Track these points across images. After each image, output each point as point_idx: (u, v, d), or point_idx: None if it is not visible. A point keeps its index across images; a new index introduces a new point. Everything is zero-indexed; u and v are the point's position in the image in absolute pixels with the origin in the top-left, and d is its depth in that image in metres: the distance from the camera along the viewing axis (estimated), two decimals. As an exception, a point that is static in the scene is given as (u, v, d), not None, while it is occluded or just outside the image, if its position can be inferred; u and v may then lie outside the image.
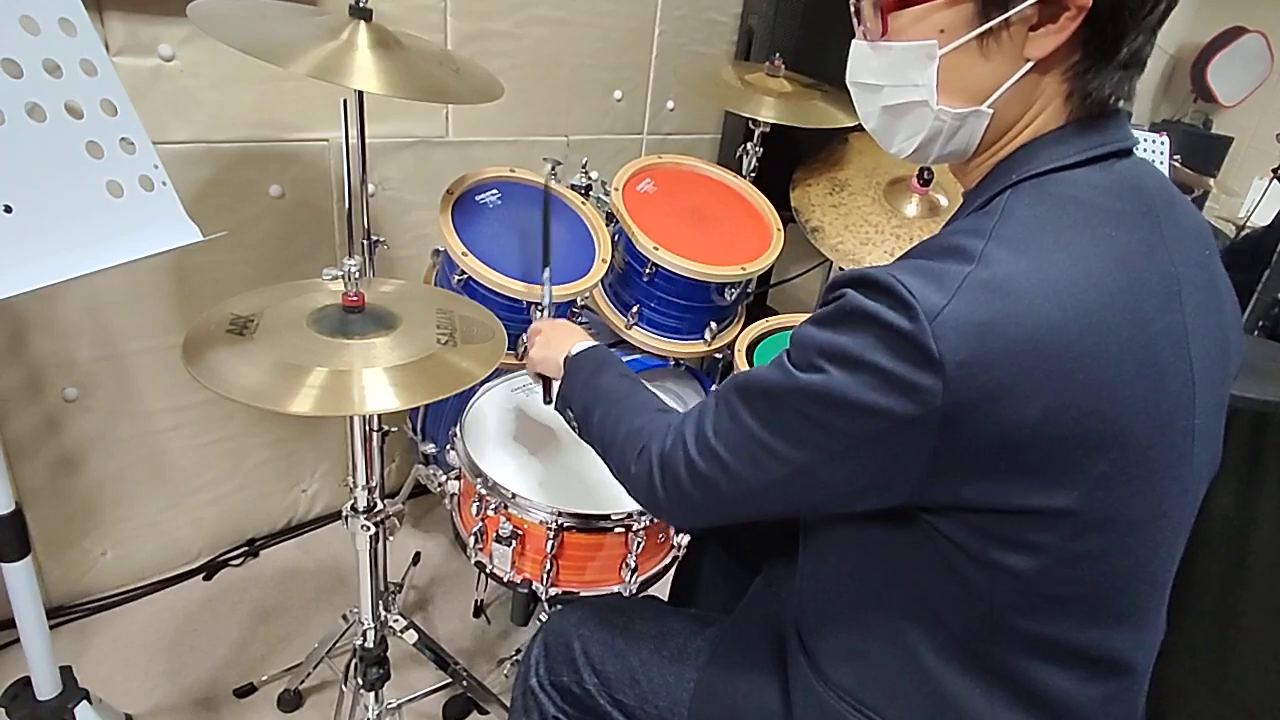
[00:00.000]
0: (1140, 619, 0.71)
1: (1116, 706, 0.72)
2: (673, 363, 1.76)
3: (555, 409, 1.01)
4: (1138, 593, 0.69)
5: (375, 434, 1.27)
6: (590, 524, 1.18)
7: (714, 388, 0.91)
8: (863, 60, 0.74)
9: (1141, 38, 0.63)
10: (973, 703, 0.70)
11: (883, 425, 0.61)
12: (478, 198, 1.54)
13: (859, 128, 2.01)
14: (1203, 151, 3.55)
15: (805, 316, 1.78)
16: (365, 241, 1.42)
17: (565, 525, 1.17)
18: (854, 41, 0.75)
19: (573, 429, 0.96)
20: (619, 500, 1.07)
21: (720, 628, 0.97)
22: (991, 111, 0.67)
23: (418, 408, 1.68)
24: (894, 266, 0.62)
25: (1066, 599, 0.65)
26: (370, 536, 1.20)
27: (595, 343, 1.03)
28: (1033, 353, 0.57)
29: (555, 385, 1.01)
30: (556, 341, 1.04)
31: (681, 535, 1.27)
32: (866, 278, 0.63)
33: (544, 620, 1.11)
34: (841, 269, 1.79)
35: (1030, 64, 0.64)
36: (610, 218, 1.65)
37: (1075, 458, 0.60)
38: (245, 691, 1.51)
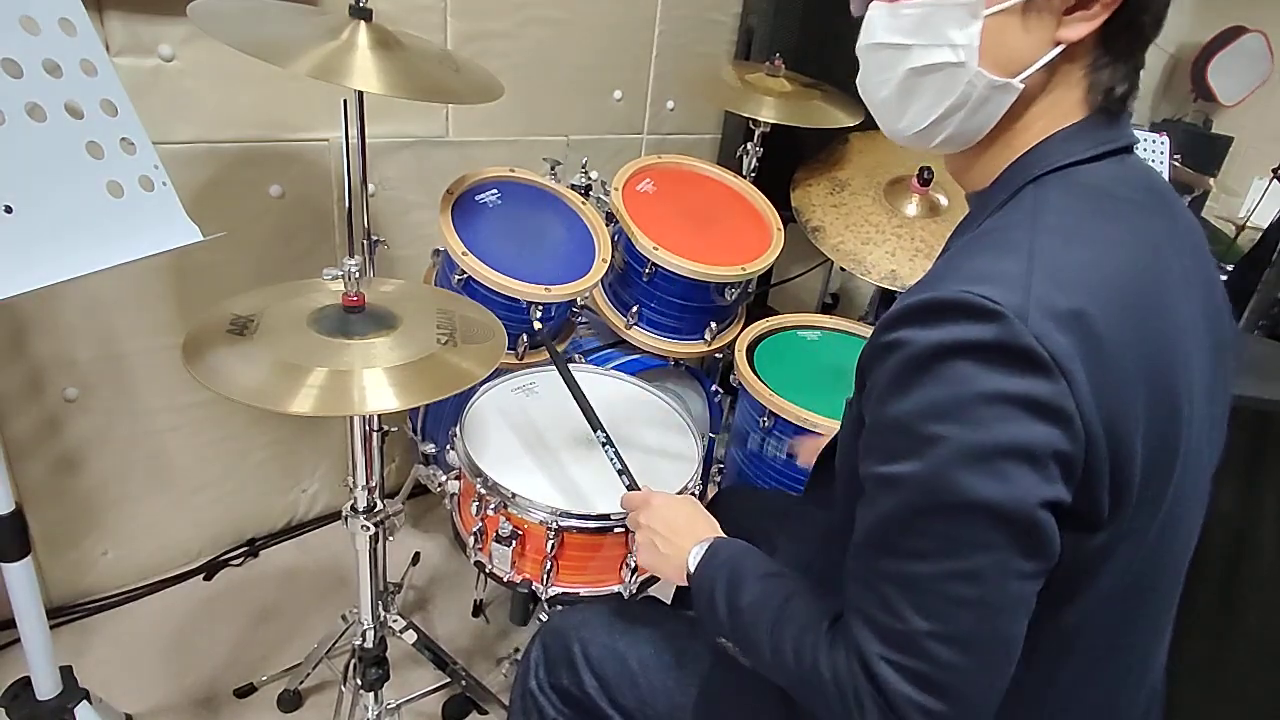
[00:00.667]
0: (1156, 612, 0.71)
1: (1125, 700, 0.72)
2: (673, 363, 1.76)
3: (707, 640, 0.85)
4: (1155, 587, 0.69)
5: (375, 434, 1.27)
6: (590, 524, 1.17)
7: (856, 570, 0.63)
8: (883, 22, 0.69)
9: (1150, 42, 0.64)
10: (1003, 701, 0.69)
11: (1045, 470, 0.54)
12: (478, 197, 1.55)
13: (859, 127, 2.04)
14: (1203, 151, 3.54)
15: (805, 316, 1.81)
16: (365, 241, 1.42)
17: (565, 525, 1.16)
18: (871, 5, 0.70)
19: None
20: (618, 500, 1.07)
21: None
22: (1022, 87, 0.65)
23: (418, 408, 1.68)
24: (946, 279, 0.58)
25: (1088, 595, 0.64)
26: (370, 536, 1.20)
27: (711, 534, 0.87)
28: (1101, 339, 0.56)
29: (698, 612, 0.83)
30: (666, 542, 0.90)
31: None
32: (926, 305, 0.57)
33: (543, 621, 1.11)
34: (843, 269, 1.79)
35: (1061, 47, 0.63)
36: (610, 218, 1.65)
37: (1133, 449, 0.58)
38: (245, 691, 1.51)
